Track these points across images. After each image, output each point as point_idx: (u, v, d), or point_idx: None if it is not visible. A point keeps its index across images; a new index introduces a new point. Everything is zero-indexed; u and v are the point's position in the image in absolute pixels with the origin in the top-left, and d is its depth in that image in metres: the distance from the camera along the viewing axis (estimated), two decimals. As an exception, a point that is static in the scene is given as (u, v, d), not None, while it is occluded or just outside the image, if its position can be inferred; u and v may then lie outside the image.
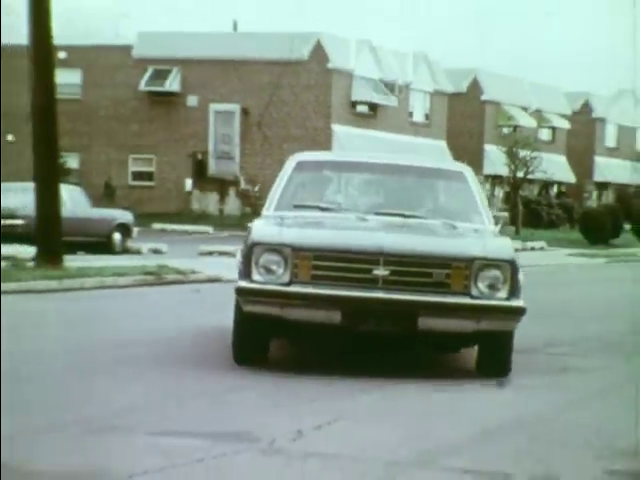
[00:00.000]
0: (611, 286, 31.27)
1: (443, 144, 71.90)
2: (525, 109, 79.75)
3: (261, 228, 12.86)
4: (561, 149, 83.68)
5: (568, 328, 18.47)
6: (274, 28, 65.27)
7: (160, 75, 66.50)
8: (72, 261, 25.79)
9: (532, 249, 48.47)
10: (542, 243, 53.09)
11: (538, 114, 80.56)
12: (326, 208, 13.68)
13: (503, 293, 12.14)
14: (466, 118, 75.47)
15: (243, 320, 12.42)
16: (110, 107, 65.84)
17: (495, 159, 73.51)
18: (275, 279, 12.09)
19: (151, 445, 8.84)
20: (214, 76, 64.73)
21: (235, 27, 68.88)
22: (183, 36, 65.93)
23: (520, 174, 69.97)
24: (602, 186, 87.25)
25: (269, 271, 12.11)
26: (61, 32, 25.62)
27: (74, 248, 29.35)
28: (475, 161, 71.81)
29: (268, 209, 13.77)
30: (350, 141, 62.33)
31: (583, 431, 10.23)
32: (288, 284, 12.07)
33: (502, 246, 12.83)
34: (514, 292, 12.16)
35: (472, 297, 12.06)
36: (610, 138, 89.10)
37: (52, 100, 25.35)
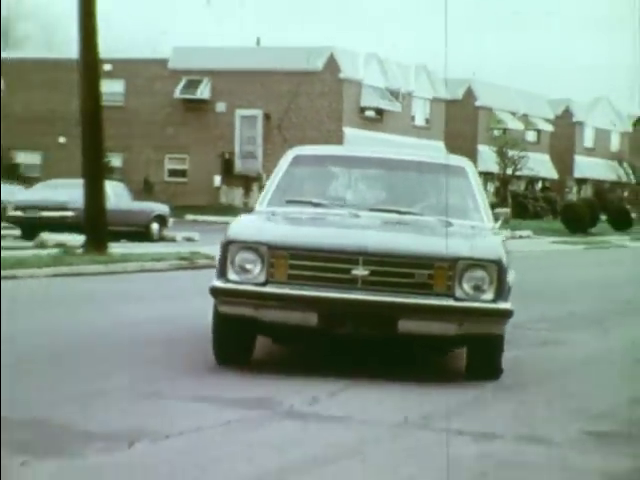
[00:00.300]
0: (590, 269, 31.28)
1: (441, 145, 71.70)
2: (513, 114, 79.60)
3: (239, 225, 10.96)
4: (545, 149, 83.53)
5: (553, 306, 18.42)
6: (292, 43, 65.06)
7: (192, 84, 66.54)
8: (116, 248, 25.83)
9: (520, 237, 48.29)
10: (529, 232, 52.89)
11: (525, 118, 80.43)
12: (319, 204, 11.65)
13: (489, 295, 10.18)
14: (461, 122, 75.31)
15: (220, 320, 10.59)
16: (149, 113, 65.76)
17: (487, 158, 73.63)
18: (251, 279, 10.21)
19: (185, 409, 8.91)
20: (240, 85, 64.65)
21: (258, 42, 68.74)
22: (212, 50, 65.91)
23: (509, 171, 70.25)
24: (581, 182, 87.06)
25: (245, 270, 10.23)
26: (106, 47, 25.53)
27: (117, 236, 29.31)
28: (469, 159, 71.84)
29: (261, 204, 11.78)
30: (359, 142, 62.06)
31: (564, 397, 10.25)
32: (264, 284, 10.19)
33: (490, 245, 10.85)
34: (501, 294, 10.21)
35: (456, 299, 10.11)
36: (588, 139, 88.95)
37: (98, 107, 25.38)
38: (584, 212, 60.94)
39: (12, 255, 22.98)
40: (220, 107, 65.91)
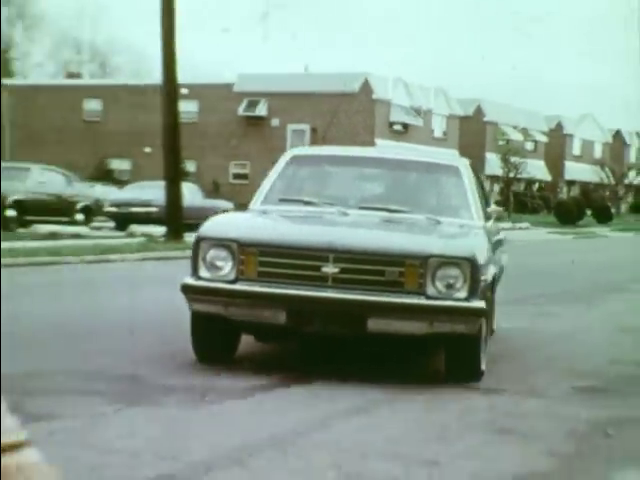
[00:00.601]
0: (578, 254, 31.16)
1: (456, 152, 71.65)
2: (515, 127, 79.42)
3: (212, 221, 9.27)
4: (541, 156, 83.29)
5: (548, 285, 18.42)
6: (333, 69, 65.17)
7: (252, 104, 66.68)
8: (190, 237, 25.91)
9: (520, 229, 48.16)
10: (527, 224, 52.83)
11: (524, 131, 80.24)
12: (310, 202, 9.70)
13: (462, 293, 8.15)
14: (472, 134, 75.16)
15: (195, 319, 8.72)
16: (217, 127, 65.93)
17: (493, 164, 73.64)
18: (222, 276, 8.34)
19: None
20: (291, 104, 64.68)
21: (306, 69, 68.84)
22: (269, 76, 66.04)
23: (511, 174, 70.06)
24: (570, 183, 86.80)
25: (215, 268, 8.37)
26: (183, 74, 25.64)
27: (192, 228, 29.43)
28: (478, 165, 71.81)
29: (255, 203, 9.86)
30: (388, 151, 62.20)
31: (557, 359, 10.23)
32: (234, 282, 8.30)
33: (467, 243, 8.78)
34: (474, 292, 8.17)
35: (428, 297, 8.12)
36: (576, 148, 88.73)
37: (177, 123, 25.49)
38: (573, 208, 61.08)
39: (108, 243, 23.25)
40: (275, 122, 65.96)
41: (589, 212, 64.19)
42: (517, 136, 78.64)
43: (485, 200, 11.07)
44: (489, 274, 8.78)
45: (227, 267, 8.33)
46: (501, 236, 11.62)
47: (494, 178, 75.18)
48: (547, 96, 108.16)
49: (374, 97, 65.32)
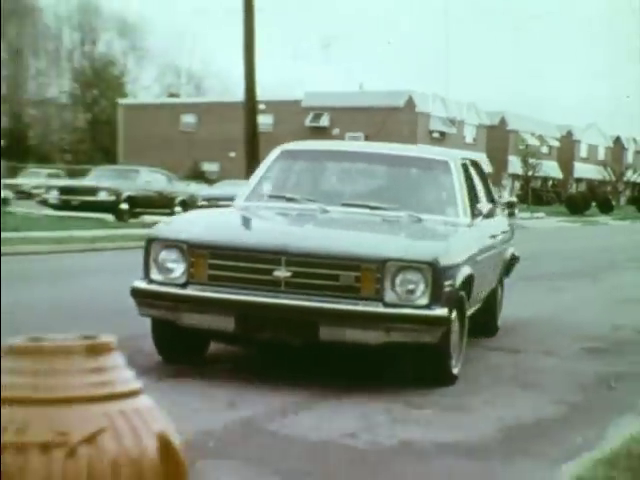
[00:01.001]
0: (584, 239, 30.86)
1: (484, 156, 71.21)
2: (532, 134, 78.62)
3: (168, 221, 7.59)
4: (554, 158, 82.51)
5: (559, 264, 18.22)
6: (384, 87, 65.05)
7: (317, 116, 66.77)
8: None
9: (537, 218, 47.78)
10: (543, 214, 52.41)
11: (540, 137, 79.49)
12: (292, 199, 7.63)
13: (423, 300, 6.19)
14: (497, 140, 74.63)
15: (153, 323, 6.78)
16: (288, 136, 65.27)
17: (515, 165, 73.30)
18: (173, 279, 6.45)
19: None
20: (348, 116, 64.55)
21: (361, 87, 68.74)
22: (330, 93, 66.15)
23: (530, 173, 69.49)
24: (578, 180, 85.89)
25: (167, 270, 6.47)
26: (261, 92, 25.73)
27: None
28: (502, 166, 71.77)
29: (240, 199, 7.90)
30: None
31: (568, 325, 10.11)
32: (184, 285, 6.41)
33: (431, 246, 6.66)
34: (437, 299, 6.21)
35: (385, 304, 6.17)
36: (583, 152, 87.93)
37: (256, 133, 25.59)
38: (580, 201, 60.79)
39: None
40: (335, 131, 65.80)
41: (594, 204, 63.57)
42: (534, 142, 77.88)
43: (490, 195, 9.02)
44: (459, 277, 6.57)
45: (178, 270, 6.43)
46: (505, 229, 9.27)
47: (515, 176, 74.69)
48: (559, 108, 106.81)
49: (416, 110, 65.09)
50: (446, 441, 5.22)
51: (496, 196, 9.58)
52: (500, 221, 9.21)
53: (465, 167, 8.23)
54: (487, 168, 69.53)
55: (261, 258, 6.34)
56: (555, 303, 12.14)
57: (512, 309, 9.98)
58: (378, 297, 6.20)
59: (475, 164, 9.03)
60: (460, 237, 7.22)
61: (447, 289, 6.34)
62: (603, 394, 6.76)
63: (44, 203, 30.01)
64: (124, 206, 26.95)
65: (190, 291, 6.42)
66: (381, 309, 6.19)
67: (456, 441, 5.24)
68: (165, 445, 1.15)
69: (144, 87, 74.52)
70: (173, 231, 6.71)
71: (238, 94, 27.27)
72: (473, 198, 8.03)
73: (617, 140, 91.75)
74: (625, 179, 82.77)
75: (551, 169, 78.69)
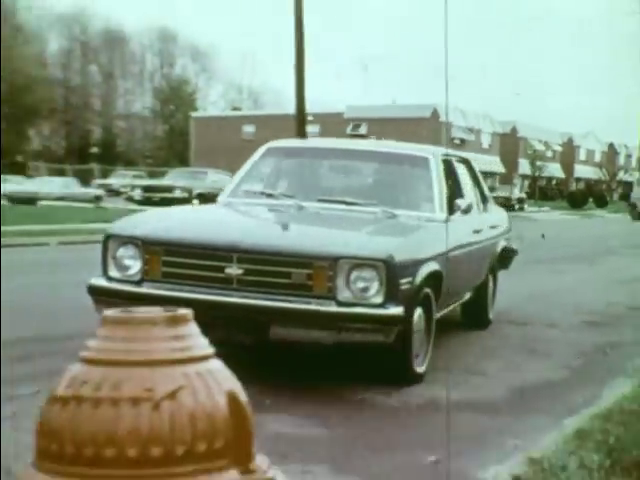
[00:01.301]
0: (583, 229, 30.52)
1: (498, 159, 70.66)
2: (539, 141, 77.90)
3: (126, 218, 6.05)
4: (557, 161, 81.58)
5: (560, 249, 18.02)
6: (412, 101, 64.73)
7: (356, 126, 66.66)
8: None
9: (542, 211, 47.46)
10: (547, 208, 51.99)
11: (545, 143, 78.73)
12: (270, 195, 6.49)
13: (378, 298, 5.05)
14: (509, 145, 73.96)
15: None
16: (333, 143, 66.01)
17: (524, 166, 72.81)
18: (129, 276, 5.39)
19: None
20: (383, 125, 64.30)
21: (394, 101, 68.50)
22: (367, 107, 66.01)
23: (537, 174, 69.02)
24: (578, 180, 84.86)
25: (124, 267, 5.41)
26: (310, 106, 25.78)
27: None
28: (513, 167, 71.21)
29: (222, 195, 6.71)
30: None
31: (569, 302, 9.99)
32: (140, 283, 5.35)
33: (388, 242, 5.43)
34: (392, 297, 5.07)
35: (339, 303, 5.05)
36: (582, 155, 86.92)
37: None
38: (579, 197, 60.38)
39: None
40: (371, 138, 65.82)
41: (591, 199, 62.89)
42: (540, 147, 77.13)
43: (481, 192, 7.91)
44: (421, 274, 5.36)
45: (135, 267, 5.37)
46: (495, 224, 7.99)
47: (525, 176, 74.16)
48: (562, 117, 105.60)
49: (440, 120, 64.73)
50: (468, 398, 5.19)
51: (488, 193, 8.16)
52: (491, 216, 7.97)
53: (449, 163, 7.03)
54: (500, 169, 69.25)
55: (213, 255, 5.19)
56: (556, 283, 12.02)
57: (519, 288, 9.90)
58: (331, 295, 5.06)
59: (465, 162, 7.86)
60: (428, 232, 5.96)
61: (405, 287, 5.13)
62: (599, 360, 6.68)
63: (130, 199, 30.40)
64: (195, 201, 27.16)
65: (143, 289, 5.30)
66: (333, 308, 5.05)
67: (476, 398, 5.22)
68: (233, 401, 1.16)
69: (212, 102, 74.92)
70: (129, 228, 5.53)
71: (290, 107, 27.25)
72: (454, 194, 6.80)
73: (611, 146, 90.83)
74: (617, 179, 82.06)
75: (555, 170, 77.97)
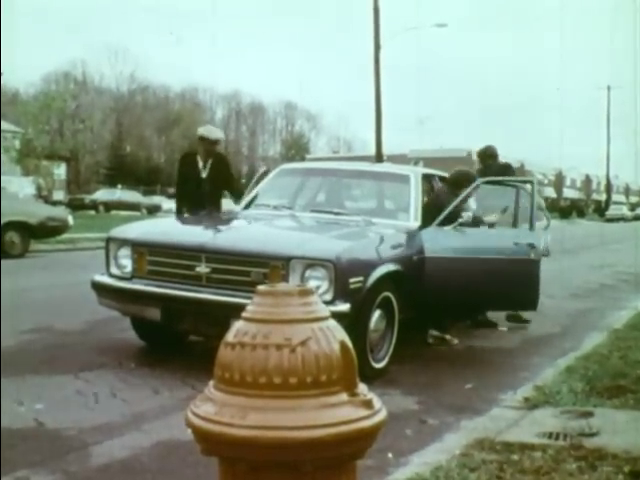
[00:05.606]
0: (568, 231, 29.14)
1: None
2: (539, 172, 75.49)
3: (127, 224, 4.79)
4: (551, 186, 79.09)
5: (553, 246, 17.18)
6: (453, 146, 63.32)
7: (416, 163, 62.67)
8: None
9: (539, 220, 45.92)
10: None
11: (543, 174, 76.41)
12: (274, 206, 5.09)
13: (327, 296, 3.69)
14: (520, 176, 71.15)
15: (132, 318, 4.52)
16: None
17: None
18: (124, 274, 4.28)
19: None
20: (433, 163, 62.20)
21: (441, 146, 67.34)
22: (423, 149, 64.89)
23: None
24: (565, 199, 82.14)
25: (120, 266, 4.32)
26: (385, 148, 25.67)
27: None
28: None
29: (240, 206, 5.40)
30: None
31: (558, 281, 9.52)
32: (131, 279, 4.22)
33: (339, 245, 3.94)
34: (342, 294, 3.74)
35: None
36: (568, 182, 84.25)
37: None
38: (567, 210, 59.37)
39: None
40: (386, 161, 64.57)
41: (574, 212, 60.65)
42: (540, 177, 74.86)
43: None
44: (375, 275, 3.99)
45: (129, 266, 4.31)
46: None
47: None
48: (554, 156, 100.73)
49: (473, 159, 63.32)
50: (492, 347, 5.03)
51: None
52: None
53: (429, 180, 5.60)
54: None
55: (185, 255, 4.11)
56: (547, 269, 11.47)
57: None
58: None
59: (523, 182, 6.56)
60: (390, 237, 4.39)
61: (354, 286, 3.87)
62: (581, 320, 6.41)
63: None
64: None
65: (131, 284, 4.24)
66: None
67: (498, 346, 5.10)
68: (343, 347, 1.14)
69: (319, 148, 75.49)
70: (124, 232, 4.46)
71: (372, 150, 27.21)
72: (460, 208, 4.96)
73: (587, 176, 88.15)
74: (592, 198, 79.32)
75: (550, 192, 75.73)
